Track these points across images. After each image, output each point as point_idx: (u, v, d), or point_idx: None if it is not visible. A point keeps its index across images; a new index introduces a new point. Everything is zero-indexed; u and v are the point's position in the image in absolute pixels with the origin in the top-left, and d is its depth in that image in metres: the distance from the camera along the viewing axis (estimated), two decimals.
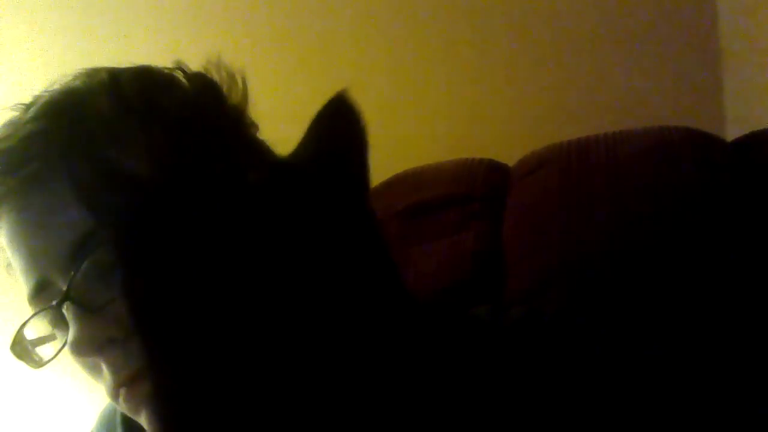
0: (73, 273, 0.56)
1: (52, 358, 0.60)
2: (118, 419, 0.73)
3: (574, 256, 0.75)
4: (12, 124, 0.61)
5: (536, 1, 1.22)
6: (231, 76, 0.58)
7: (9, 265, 0.63)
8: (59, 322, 0.58)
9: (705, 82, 1.17)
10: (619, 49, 1.19)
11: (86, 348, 0.55)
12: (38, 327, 0.61)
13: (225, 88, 0.58)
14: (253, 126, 0.63)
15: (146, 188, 0.43)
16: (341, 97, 0.46)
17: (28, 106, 0.61)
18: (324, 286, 0.42)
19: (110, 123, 0.57)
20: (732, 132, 1.04)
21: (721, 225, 0.74)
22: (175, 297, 0.41)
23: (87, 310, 0.56)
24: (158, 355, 0.44)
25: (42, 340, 0.62)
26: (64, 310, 0.56)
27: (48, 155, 0.57)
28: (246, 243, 0.41)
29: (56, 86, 0.61)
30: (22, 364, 0.61)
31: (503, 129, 1.19)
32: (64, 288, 0.56)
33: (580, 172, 0.80)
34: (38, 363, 0.62)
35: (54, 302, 0.57)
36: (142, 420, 0.58)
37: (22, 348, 0.61)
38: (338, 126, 0.46)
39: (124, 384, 0.57)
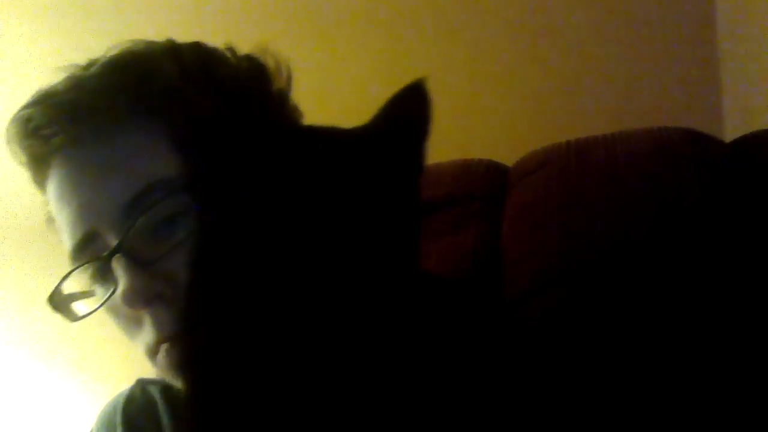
0: (127, 226, 0.56)
1: (93, 311, 0.61)
2: (118, 419, 0.73)
3: (573, 256, 0.75)
4: (74, 78, 0.61)
5: (536, 2, 1.22)
6: (277, 63, 0.60)
7: (50, 219, 0.64)
8: (104, 275, 0.59)
9: (704, 83, 1.18)
10: (619, 50, 1.19)
11: (137, 300, 0.56)
12: (78, 282, 0.62)
13: (271, 73, 0.62)
14: (297, 111, 0.65)
15: (235, 137, 0.48)
16: (418, 86, 0.52)
17: (87, 65, 0.62)
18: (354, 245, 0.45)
19: (174, 84, 0.59)
20: (730, 132, 1.05)
21: (720, 225, 0.74)
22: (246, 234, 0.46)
23: (138, 263, 0.56)
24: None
25: (79, 296, 0.62)
26: (113, 263, 0.56)
27: (115, 109, 0.58)
28: (301, 196, 0.45)
29: (114, 50, 0.62)
30: (59, 316, 0.62)
31: (503, 129, 1.19)
32: (114, 242, 0.57)
33: (579, 172, 0.80)
34: (74, 316, 0.62)
35: (105, 253, 0.57)
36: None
37: (60, 300, 0.61)
38: (407, 110, 0.51)
39: (167, 340, 0.57)
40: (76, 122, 0.58)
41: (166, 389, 0.75)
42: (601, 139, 0.83)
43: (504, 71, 1.21)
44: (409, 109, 0.51)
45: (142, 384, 0.77)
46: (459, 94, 1.21)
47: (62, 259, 1.18)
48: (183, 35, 0.65)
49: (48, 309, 0.62)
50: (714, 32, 1.17)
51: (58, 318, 1.20)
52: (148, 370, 0.94)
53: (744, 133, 0.83)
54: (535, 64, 1.21)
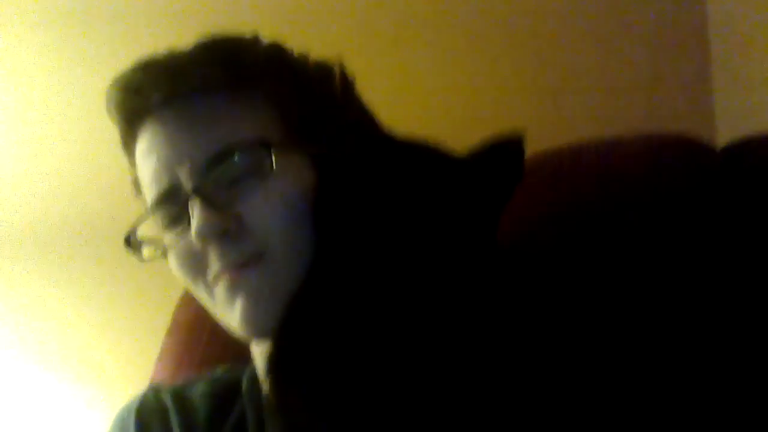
0: (206, 177, 0.64)
1: (166, 250, 0.68)
2: (132, 423, 0.75)
3: (566, 262, 0.76)
4: (170, 52, 0.69)
5: (530, 4, 1.23)
6: (341, 69, 0.68)
7: (135, 181, 0.71)
8: (179, 221, 0.66)
9: (696, 87, 1.18)
10: (611, 55, 1.19)
11: (210, 231, 0.63)
12: (151, 229, 0.69)
13: (337, 78, 0.69)
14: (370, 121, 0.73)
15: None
16: (518, 141, 0.62)
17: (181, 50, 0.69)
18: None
19: (260, 64, 0.69)
20: (722, 139, 1.05)
21: (712, 230, 0.75)
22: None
23: (212, 205, 0.63)
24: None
25: (149, 242, 0.69)
26: (190, 203, 0.64)
27: (207, 77, 0.66)
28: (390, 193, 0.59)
29: (203, 38, 0.70)
30: (131, 254, 0.69)
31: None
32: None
33: (571, 178, 0.81)
34: (146, 257, 0.69)
35: (184, 197, 0.65)
36: (236, 308, 0.64)
37: (134, 241, 0.69)
38: (503, 154, 0.63)
39: (230, 268, 0.64)
40: (173, 83, 0.65)
41: (177, 396, 0.76)
42: (592, 146, 0.84)
43: (495, 77, 1.22)
44: (504, 155, 0.63)
45: (155, 390, 0.78)
46: (451, 100, 1.21)
47: (63, 262, 1.19)
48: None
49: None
50: (705, 37, 1.18)
51: (57, 321, 1.21)
52: (148, 375, 0.95)
53: (736, 137, 0.84)
54: (525, 70, 1.21)
